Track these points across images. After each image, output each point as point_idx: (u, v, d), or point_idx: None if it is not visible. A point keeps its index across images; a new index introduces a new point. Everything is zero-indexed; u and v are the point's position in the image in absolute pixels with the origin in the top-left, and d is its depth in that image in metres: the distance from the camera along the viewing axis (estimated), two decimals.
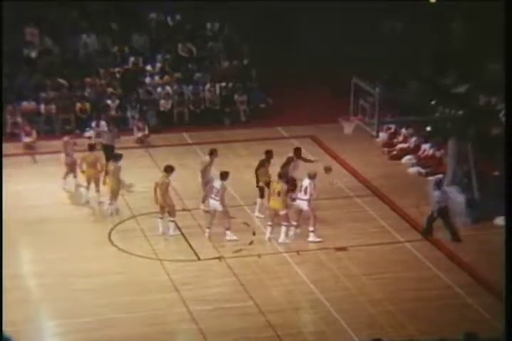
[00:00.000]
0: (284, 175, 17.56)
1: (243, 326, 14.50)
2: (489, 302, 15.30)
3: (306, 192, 17.28)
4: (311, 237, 17.37)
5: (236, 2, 26.58)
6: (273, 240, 17.42)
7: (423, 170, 21.27)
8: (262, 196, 18.46)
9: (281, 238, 17.32)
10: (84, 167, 19.08)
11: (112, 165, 18.34)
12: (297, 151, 18.98)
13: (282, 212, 17.19)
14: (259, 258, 16.84)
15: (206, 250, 17.12)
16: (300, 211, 17.50)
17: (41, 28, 25.80)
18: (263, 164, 18.60)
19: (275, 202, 17.24)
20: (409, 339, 13.62)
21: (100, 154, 19.88)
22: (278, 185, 17.22)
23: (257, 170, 18.63)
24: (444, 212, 17.45)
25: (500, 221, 18.36)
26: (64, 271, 16.21)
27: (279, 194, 17.13)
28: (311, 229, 17.37)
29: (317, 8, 27.64)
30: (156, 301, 15.27)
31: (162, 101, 24.82)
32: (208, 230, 17.57)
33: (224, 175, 17.35)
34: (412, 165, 21.71)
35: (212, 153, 18.82)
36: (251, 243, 17.41)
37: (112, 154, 19.60)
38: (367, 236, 17.76)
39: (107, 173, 18.50)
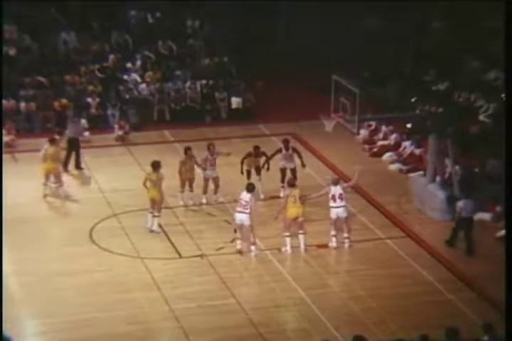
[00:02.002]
0: (292, 182, 17.54)
1: (225, 324, 14.51)
2: (470, 298, 15.41)
3: (342, 199, 16.98)
4: (334, 242, 17.17)
5: (216, 0, 26.59)
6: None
7: (404, 167, 21.35)
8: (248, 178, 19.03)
9: (302, 248, 16.90)
10: (45, 160, 19.05)
11: (153, 175, 17.61)
12: (285, 142, 19.57)
13: (301, 219, 16.89)
14: (241, 256, 16.84)
15: (188, 248, 17.10)
16: (337, 219, 17.13)
17: (20, 25, 25.65)
18: (250, 155, 19.28)
19: (296, 210, 16.72)
20: (392, 337, 13.66)
21: (59, 148, 19.69)
22: (293, 192, 16.80)
23: (243, 159, 19.26)
24: (461, 222, 16.91)
25: (479, 217, 18.49)
26: (45, 270, 16.13)
27: (295, 201, 16.70)
28: (346, 235, 17.16)
29: (297, 6, 27.68)
30: (138, 299, 15.24)
31: (143, 99, 24.81)
32: (240, 242, 16.74)
33: (251, 188, 16.67)
34: (393, 162, 21.78)
35: (209, 148, 19.11)
36: (233, 241, 17.41)
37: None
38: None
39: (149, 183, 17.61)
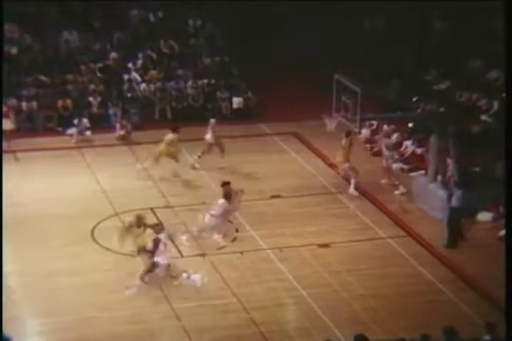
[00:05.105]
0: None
1: (226, 323, 14.51)
2: (471, 297, 15.40)
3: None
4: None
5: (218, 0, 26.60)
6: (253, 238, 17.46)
7: (405, 166, 21.34)
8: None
9: (351, 189, 19.40)
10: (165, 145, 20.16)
11: None
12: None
13: (345, 165, 19.59)
14: (242, 255, 16.85)
15: (189, 247, 17.10)
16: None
17: (21, 24, 25.67)
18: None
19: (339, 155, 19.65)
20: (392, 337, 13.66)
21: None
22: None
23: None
24: (450, 211, 17.15)
25: (481, 216, 18.50)
26: (45, 270, 16.13)
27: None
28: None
29: (298, 6, 27.69)
30: (139, 299, 15.23)
31: (144, 98, 24.82)
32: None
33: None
34: (395, 161, 21.76)
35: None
36: (234, 240, 17.42)
37: None
38: (349, 233, 17.82)
39: None
